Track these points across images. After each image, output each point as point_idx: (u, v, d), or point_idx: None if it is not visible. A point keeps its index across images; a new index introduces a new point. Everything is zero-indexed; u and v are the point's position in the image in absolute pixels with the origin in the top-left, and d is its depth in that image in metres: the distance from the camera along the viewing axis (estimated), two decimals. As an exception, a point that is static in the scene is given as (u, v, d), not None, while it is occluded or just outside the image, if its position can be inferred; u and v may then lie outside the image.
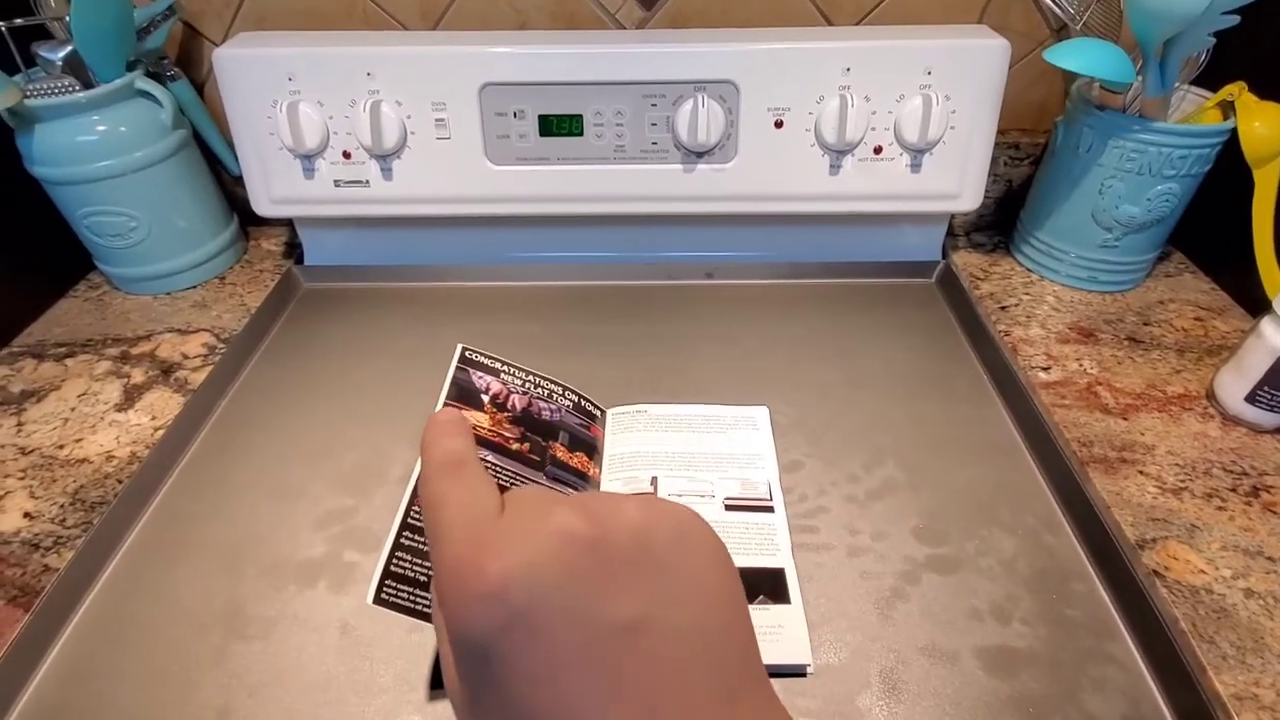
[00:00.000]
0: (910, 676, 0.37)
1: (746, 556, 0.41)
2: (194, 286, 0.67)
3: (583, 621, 0.16)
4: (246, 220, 0.73)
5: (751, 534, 0.42)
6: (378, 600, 0.33)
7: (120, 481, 0.48)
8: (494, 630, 0.16)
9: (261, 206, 0.63)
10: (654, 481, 0.46)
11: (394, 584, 0.34)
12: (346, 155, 0.59)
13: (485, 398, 0.46)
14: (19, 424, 0.53)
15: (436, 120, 0.57)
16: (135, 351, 0.60)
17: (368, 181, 0.60)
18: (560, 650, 0.15)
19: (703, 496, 0.45)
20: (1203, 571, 0.40)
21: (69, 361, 0.59)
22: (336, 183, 0.60)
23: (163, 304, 0.65)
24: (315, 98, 0.57)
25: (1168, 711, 0.36)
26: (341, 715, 0.36)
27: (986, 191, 0.62)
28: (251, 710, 0.36)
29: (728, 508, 0.44)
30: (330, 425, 0.53)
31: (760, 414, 0.51)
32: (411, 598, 0.34)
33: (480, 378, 0.47)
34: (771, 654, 0.36)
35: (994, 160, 0.64)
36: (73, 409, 0.54)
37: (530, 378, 0.50)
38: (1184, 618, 0.37)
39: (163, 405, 0.54)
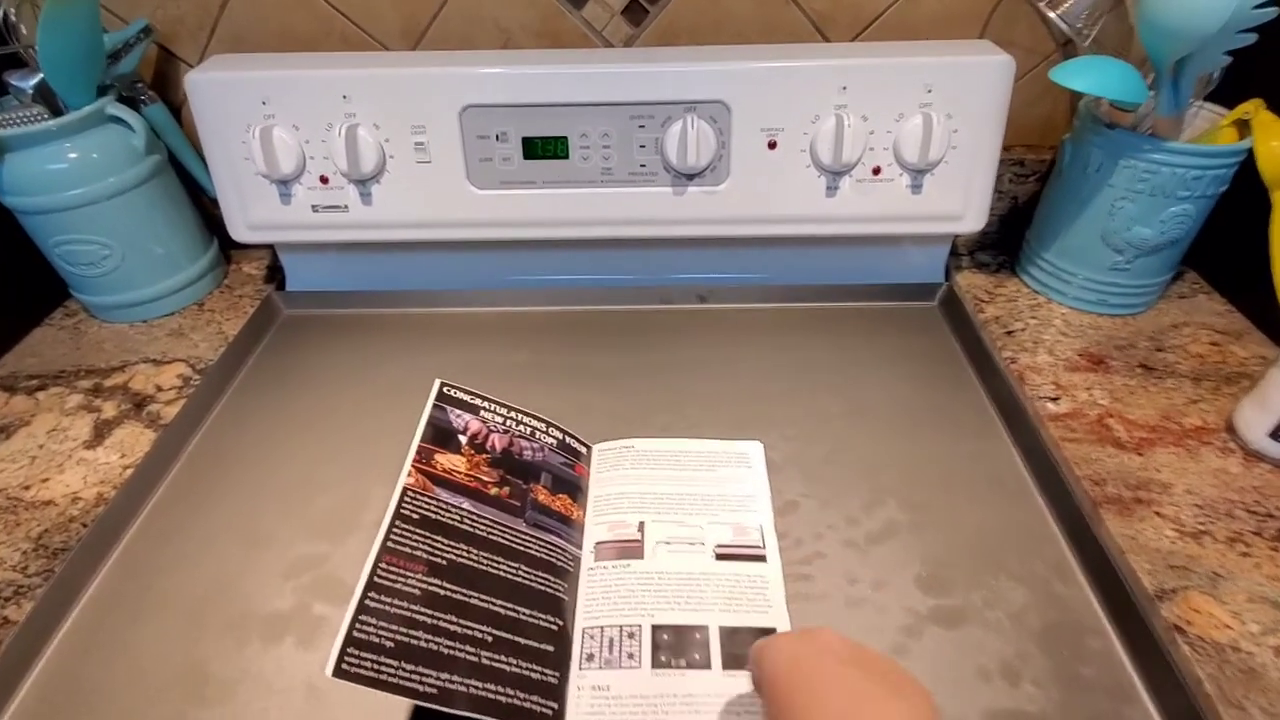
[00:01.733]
0: (913, 744, 0.34)
1: (735, 614, 0.38)
2: (172, 314, 0.65)
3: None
4: (228, 243, 0.71)
5: (742, 587, 0.40)
6: (338, 672, 0.31)
7: (84, 525, 0.45)
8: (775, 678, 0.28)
9: (238, 233, 0.61)
10: (641, 527, 0.43)
11: (357, 652, 0.32)
12: (324, 180, 0.57)
13: (463, 439, 0.44)
14: (-14, 463, 0.51)
15: (416, 144, 0.55)
16: (108, 384, 0.58)
17: (346, 206, 0.58)
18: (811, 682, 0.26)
19: (693, 544, 0.42)
20: (1228, 626, 0.37)
21: (40, 395, 0.57)
22: (314, 208, 0.58)
23: (139, 332, 0.63)
24: (290, 121, 0.55)
25: (1193, 789, 0.33)
26: (303, 789, 0.34)
27: (992, 209, 0.59)
28: (207, 784, 0.34)
29: (718, 556, 0.42)
30: (304, 464, 0.51)
31: (754, 449, 0.49)
32: (375, 666, 0.32)
33: (458, 416, 0.45)
34: None
35: (998, 177, 0.61)
36: (41, 446, 0.52)
37: (512, 414, 0.48)
38: (1209, 679, 0.35)
39: (133, 442, 0.52)
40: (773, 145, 0.55)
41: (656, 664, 0.36)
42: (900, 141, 0.54)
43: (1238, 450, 0.47)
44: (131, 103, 0.60)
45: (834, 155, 0.54)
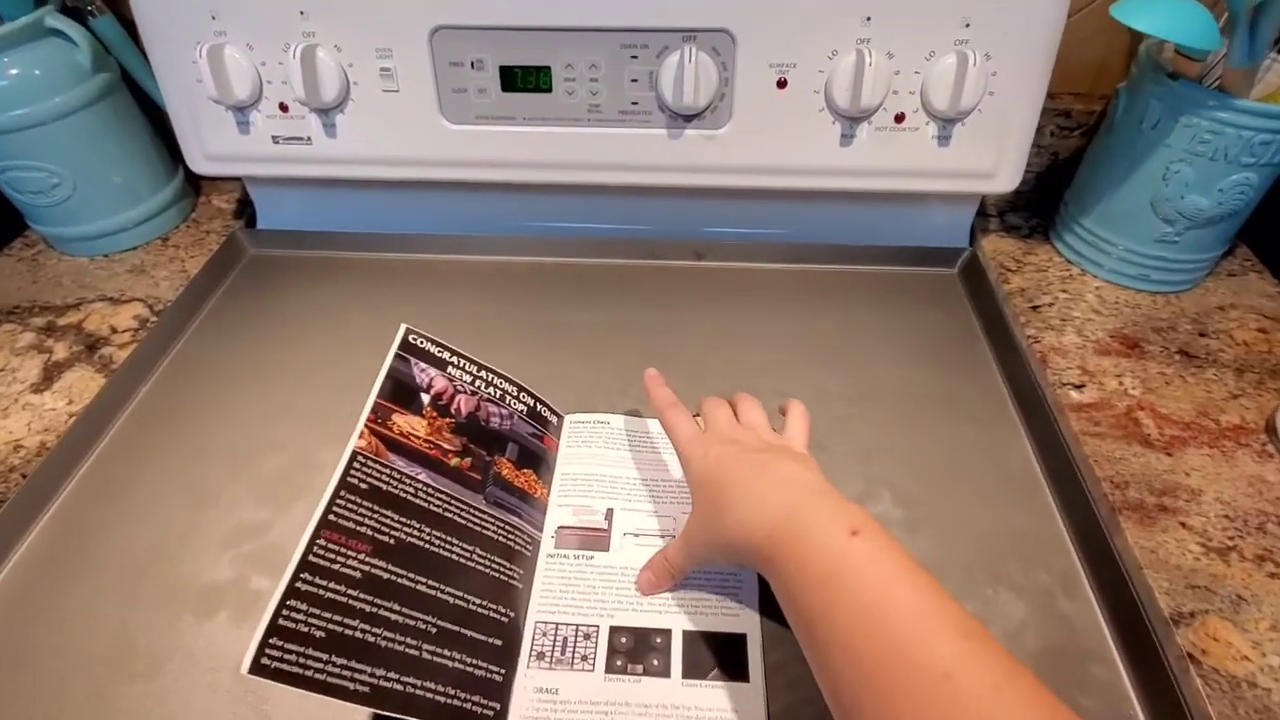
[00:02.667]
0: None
1: (705, 618, 0.35)
2: (134, 248, 0.61)
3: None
4: (195, 174, 0.66)
5: (714, 587, 0.36)
6: (256, 668, 0.27)
7: (24, 476, 0.43)
8: (699, 474, 0.34)
9: (196, 164, 0.56)
10: (609, 515, 0.40)
11: (280, 644, 0.28)
12: (283, 108, 0.52)
13: (425, 398, 0.40)
14: (-71, 403, 0.48)
15: (382, 69, 0.49)
16: (62, 322, 0.54)
17: (309, 138, 0.53)
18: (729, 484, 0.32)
19: (663, 537, 0.39)
20: (1246, 658, 0.33)
21: (-9, 331, 0.54)
22: (275, 139, 0.53)
23: (99, 266, 0.59)
24: (243, 40, 0.49)
25: (1193, 846, 0.30)
26: (225, 778, 0.31)
27: (1028, 165, 0.52)
28: (125, 766, 0.32)
29: None
30: (257, 419, 0.47)
31: None
32: (301, 660, 0.28)
33: (423, 371, 0.41)
34: None
35: (1039, 129, 0.54)
36: (-13, 388, 0.49)
37: (482, 374, 0.44)
38: (1219, 717, 0.31)
39: (81, 387, 0.49)
40: (782, 84, 0.48)
41: (611, 669, 0.33)
42: (929, 84, 0.47)
43: (1276, 455, 0.42)
44: (77, 14, 0.55)
45: (851, 98, 0.47)
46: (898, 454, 0.44)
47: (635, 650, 0.34)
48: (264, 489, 0.43)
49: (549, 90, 0.50)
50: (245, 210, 0.65)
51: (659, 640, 0.34)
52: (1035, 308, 0.52)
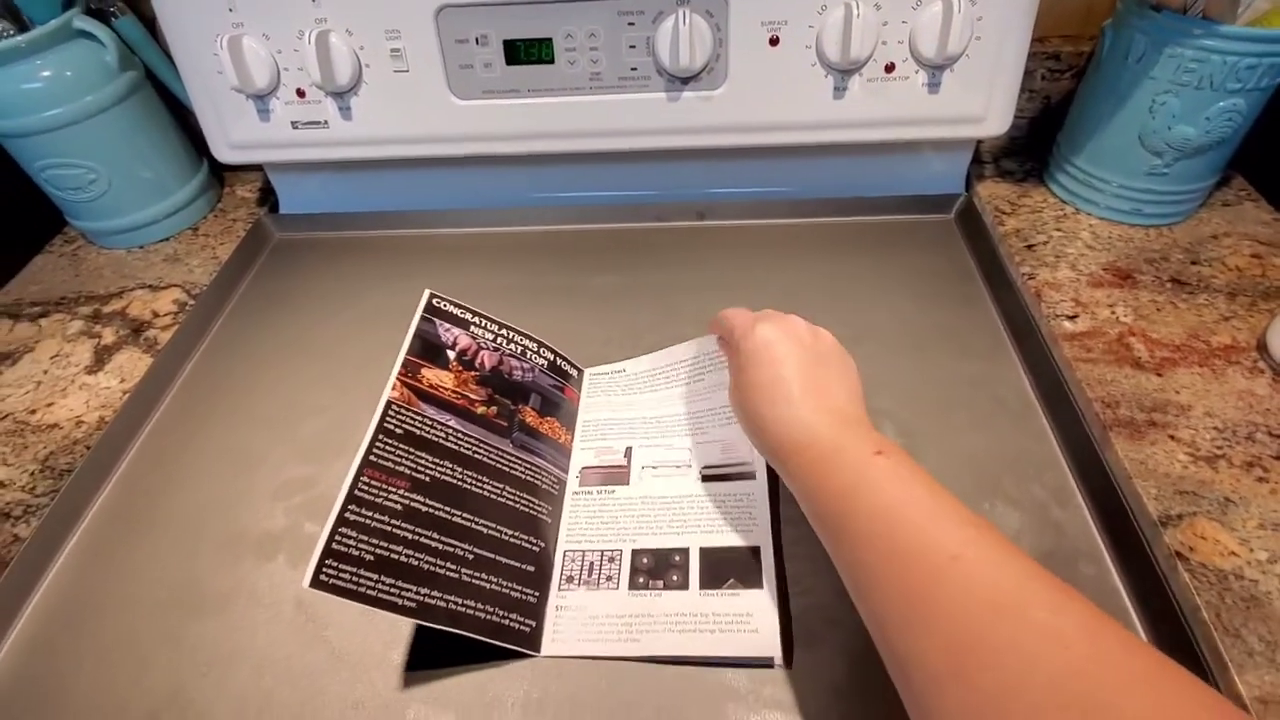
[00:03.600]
0: (891, 665, 0.34)
1: (720, 535, 0.38)
2: (167, 239, 0.64)
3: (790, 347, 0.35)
4: (218, 166, 0.69)
5: (728, 507, 0.39)
6: (316, 583, 0.31)
7: (88, 448, 0.46)
8: (752, 354, 0.35)
9: (221, 153, 0.59)
10: (628, 452, 0.43)
11: (335, 564, 0.32)
12: (300, 94, 0.54)
13: (451, 354, 0.43)
14: (-6, 388, 0.52)
15: (392, 50, 0.52)
16: (107, 310, 0.58)
17: (326, 122, 0.55)
18: (776, 381, 0.34)
19: (679, 467, 0.41)
20: (1234, 554, 0.35)
21: (43, 321, 0.57)
22: (294, 124, 0.56)
23: (136, 258, 0.63)
24: (259, 30, 0.52)
25: (1176, 715, 0.32)
26: (293, 698, 0.35)
27: (1021, 110, 0.54)
28: (202, 691, 0.35)
29: (705, 478, 0.41)
30: (294, 388, 0.51)
31: None
32: (354, 579, 0.32)
33: (447, 330, 0.44)
34: (735, 646, 0.34)
35: (1030, 74, 0.56)
36: (45, 371, 0.53)
37: (503, 332, 0.46)
38: (1206, 606, 0.33)
39: (131, 367, 0.52)
40: (774, 41, 0.50)
41: (634, 586, 0.36)
42: (917, 32, 0.49)
43: (1267, 371, 0.44)
44: (101, 15, 0.58)
45: (842, 51, 0.49)
46: (898, 387, 0.46)
47: (656, 568, 0.37)
48: (306, 449, 0.46)
49: (551, 61, 0.52)
50: (268, 198, 0.68)
51: (678, 558, 0.37)
52: (1030, 246, 0.54)
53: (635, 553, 0.38)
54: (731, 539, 0.37)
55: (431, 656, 0.36)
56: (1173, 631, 0.34)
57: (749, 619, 0.34)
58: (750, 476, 0.40)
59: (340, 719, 0.34)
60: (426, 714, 0.34)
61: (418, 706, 0.34)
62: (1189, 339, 0.46)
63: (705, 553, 0.37)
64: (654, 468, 0.41)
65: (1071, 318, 0.48)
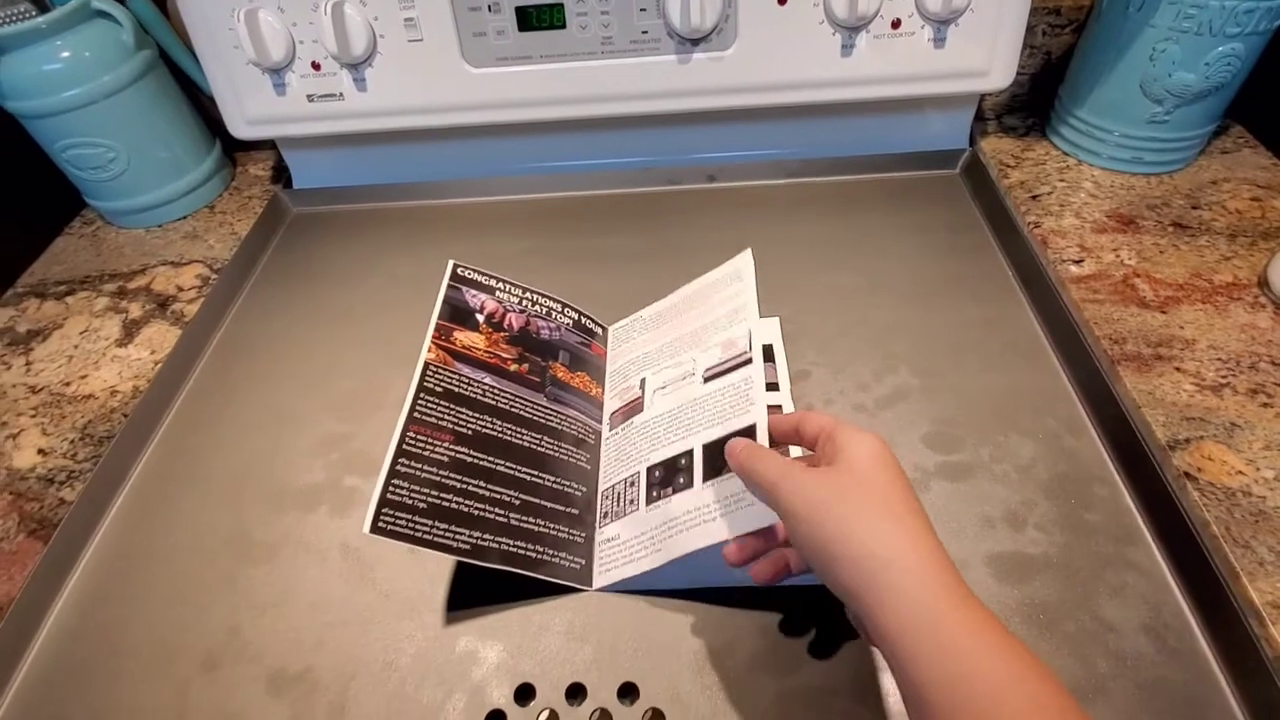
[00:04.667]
0: (916, 586, 0.36)
1: (720, 427, 0.37)
2: (184, 217, 0.65)
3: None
4: (231, 145, 0.70)
5: (728, 398, 0.38)
6: (375, 529, 0.33)
7: (125, 415, 0.48)
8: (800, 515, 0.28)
9: (238, 129, 0.60)
10: (642, 384, 0.44)
11: (391, 512, 0.34)
12: (316, 66, 0.55)
13: (480, 317, 0.44)
14: (27, 363, 0.53)
15: (405, 19, 0.53)
16: (131, 286, 0.59)
17: (341, 94, 0.56)
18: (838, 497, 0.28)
19: (686, 378, 0.42)
20: (1241, 473, 0.37)
21: (69, 299, 0.58)
22: (310, 97, 0.57)
23: (155, 237, 0.64)
24: (275, 3, 0.52)
25: (1193, 620, 0.34)
26: (345, 634, 0.37)
27: (1022, 67, 0.55)
28: (261, 629, 0.37)
29: (706, 379, 0.40)
30: (324, 353, 0.52)
31: (743, 261, 0.46)
32: (410, 525, 0.34)
33: (474, 296, 0.45)
34: (739, 524, 0.33)
35: (1031, 29, 0.57)
36: (76, 346, 0.54)
37: (527, 295, 0.48)
38: (1216, 521, 0.35)
39: (161, 339, 0.53)
40: (783, 0, 0.51)
41: (649, 500, 0.38)
42: (922, -13, 0.50)
43: (1269, 305, 0.45)
44: (114, -6, 0.58)
45: (849, 7, 0.50)
46: (911, 333, 0.48)
47: (666, 477, 0.38)
48: (341, 408, 0.48)
49: (563, 26, 0.53)
50: (281, 175, 0.69)
51: (684, 461, 0.38)
52: (1035, 197, 0.55)
53: (649, 470, 0.39)
54: (730, 426, 0.37)
55: (474, 596, 0.37)
56: (1184, 545, 0.36)
57: (746, 494, 0.34)
58: (747, 362, 0.40)
59: (394, 650, 0.36)
60: (475, 645, 0.35)
61: (467, 638, 0.36)
62: (1191, 278, 0.48)
63: (706, 448, 0.37)
64: (663, 388, 0.42)
65: (1077, 262, 0.49)
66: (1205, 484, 0.37)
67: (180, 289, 0.58)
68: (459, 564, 0.38)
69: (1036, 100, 0.64)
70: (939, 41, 0.52)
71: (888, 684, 0.33)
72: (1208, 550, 0.35)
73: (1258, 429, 0.39)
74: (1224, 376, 0.42)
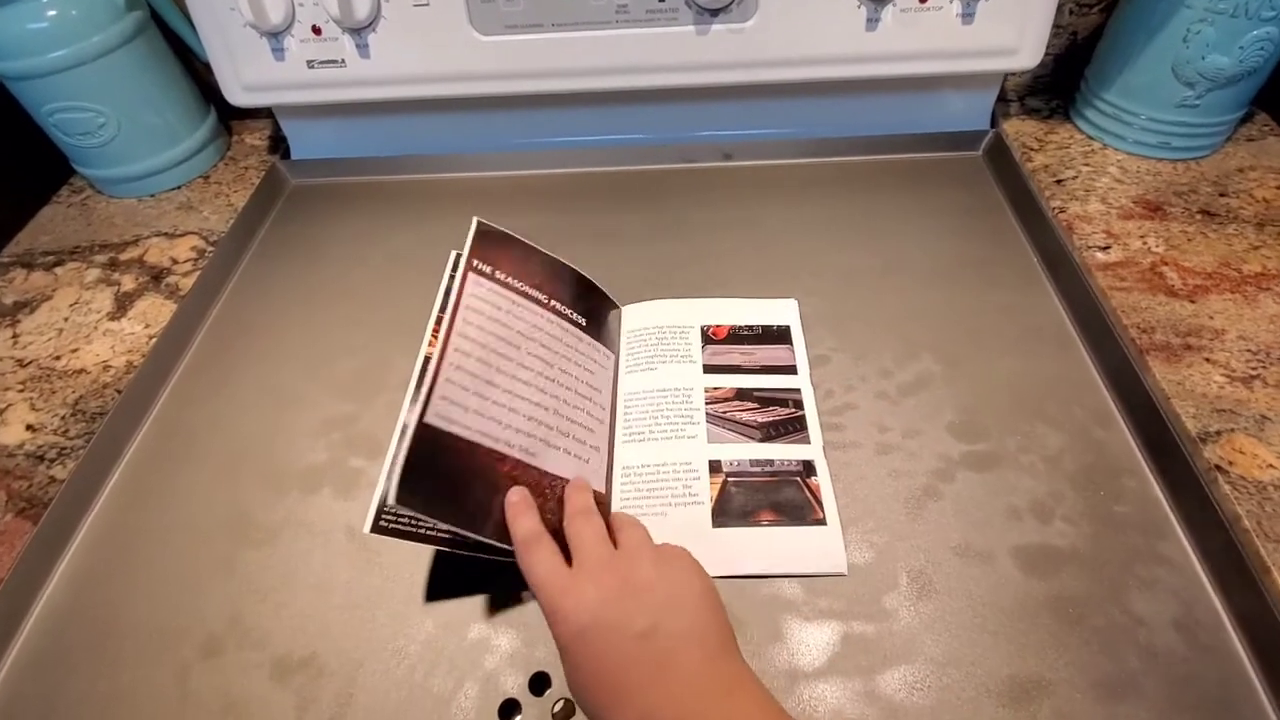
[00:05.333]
0: (940, 577, 0.35)
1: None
2: (178, 187, 0.63)
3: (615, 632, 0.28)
4: (227, 114, 0.67)
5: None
6: (376, 528, 0.32)
7: (119, 391, 0.46)
8: (569, 637, 0.28)
9: (234, 95, 0.57)
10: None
11: (393, 510, 0.32)
12: (316, 31, 0.53)
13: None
14: (14, 335, 0.51)
15: (413, -19, 0.50)
16: (123, 258, 0.57)
17: (343, 61, 0.54)
18: (603, 649, 0.28)
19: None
20: (1272, 466, 0.36)
21: (58, 270, 0.56)
22: (310, 63, 0.54)
23: (147, 206, 0.62)
24: (275, -39, 0.50)
25: (1225, 616, 0.33)
26: (352, 618, 0.35)
27: (1047, 48, 0.53)
28: (263, 615, 0.36)
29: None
30: (327, 329, 0.50)
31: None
32: (413, 522, 0.32)
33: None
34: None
35: (1059, 8, 0.55)
36: (66, 319, 0.52)
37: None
38: (1247, 515, 0.34)
39: (155, 313, 0.51)
40: (807, -30, 0.49)
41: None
42: (952, -41, 0.48)
43: (1299, 296, 0.44)
44: (104, -50, 0.55)
45: (876, -22, 0.48)
46: (933, 318, 0.47)
47: None
48: (343, 388, 0.46)
49: (577, -9, 0.51)
50: (279, 146, 0.66)
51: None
52: (1059, 181, 0.54)
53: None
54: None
55: (485, 582, 0.36)
56: (1215, 539, 0.35)
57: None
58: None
59: (403, 637, 0.34)
60: (488, 632, 0.34)
61: (478, 625, 0.35)
62: (1220, 267, 0.47)
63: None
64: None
65: (1104, 248, 0.48)
66: (1236, 477, 0.36)
67: (175, 261, 0.56)
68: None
69: (1060, 81, 0.63)
70: (967, 17, 0.51)
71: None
72: (1240, 545, 0.34)
73: (1289, 422, 0.38)
74: (1254, 369, 0.41)
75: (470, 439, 0.33)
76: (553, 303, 0.42)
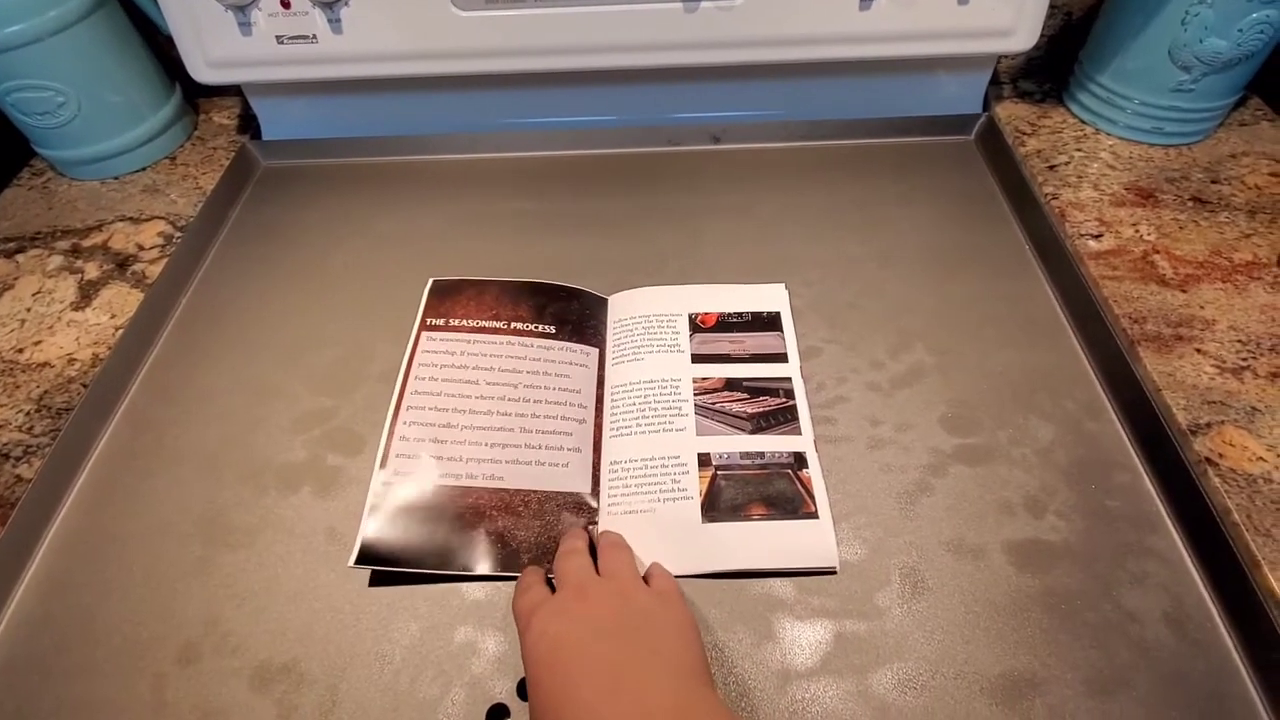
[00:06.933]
0: (933, 573, 0.35)
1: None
2: (143, 169, 0.60)
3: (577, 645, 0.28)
4: (194, 91, 0.64)
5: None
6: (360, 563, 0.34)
7: (85, 386, 0.44)
8: (529, 647, 0.29)
9: (199, 72, 0.54)
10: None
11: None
12: (285, 4, 0.50)
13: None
14: (-26, 327, 0.49)
15: (388, -47, 0.48)
16: (87, 244, 0.54)
17: (314, 36, 0.51)
18: (564, 659, 0.27)
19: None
20: (1261, 459, 0.36)
21: (20, 258, 0.54)
22: (279, 39, 0.52)
23: (111, 189, 0.59)
24: (240, -72, 0.47)
25: (1215, 610, 0.33)
26: (334, 622, 0.34)
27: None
28: (241, 620, 0.35)
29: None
30: (302, 319, 0.48)
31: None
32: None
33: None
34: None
35: (1053, -12, 0.54)
36: (29, 309, 0.50)
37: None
38: (1237, 509, 0.34)
39: (121, 302, 0.49)
40: (800, -55, 0.47)
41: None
42: (949, -64, 0.46)
43: (1290, 285, 0.44)
44: (55, -84, 0.52)
45: (871, -45, 0.46)
46: (926, 307, 0.46)
47: None
48: (321, 381, 0.45)
49: (560, -34, 0.48)
50: (249, 125, 0.64)
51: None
52: (1052, 167, 0.53)
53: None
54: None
55: (471, 583, 0.35)
56: (1206, 533, 0.35)
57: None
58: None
59: (387, 641, 0.34)
60: (474, 635, 0.34)
61: (464, 628, 0.34)
62: (1211, 255, 0.46)
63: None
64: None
65: (1096, 236, 0.48)
66: (1227, 470, 0.36)
67: (141, 248, 0.53)
68: (455, 550, 0.36)
69: (1053, 63, 0.61)
70: (963, -3, 0.49)
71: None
72: (1230, 538, 0.34)
73: (1279, 414, 0.38)
74: (1244, 359, 0.41)
75: (434, 483, 0.36)
76: (513, 324, 0.43)
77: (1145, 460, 0.38)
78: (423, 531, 0.35)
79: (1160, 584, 0.34)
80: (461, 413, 0.39)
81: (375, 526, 0.35)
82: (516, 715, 0.31)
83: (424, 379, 0.41)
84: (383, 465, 0.37)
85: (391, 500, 0.36)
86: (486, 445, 0.38)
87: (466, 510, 0.36)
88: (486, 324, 0.43)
